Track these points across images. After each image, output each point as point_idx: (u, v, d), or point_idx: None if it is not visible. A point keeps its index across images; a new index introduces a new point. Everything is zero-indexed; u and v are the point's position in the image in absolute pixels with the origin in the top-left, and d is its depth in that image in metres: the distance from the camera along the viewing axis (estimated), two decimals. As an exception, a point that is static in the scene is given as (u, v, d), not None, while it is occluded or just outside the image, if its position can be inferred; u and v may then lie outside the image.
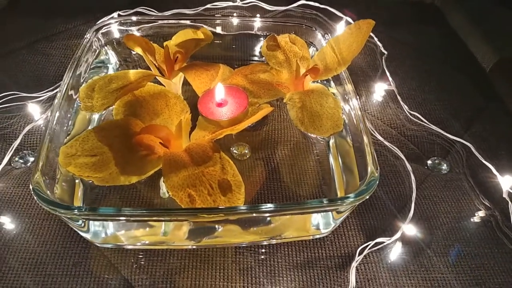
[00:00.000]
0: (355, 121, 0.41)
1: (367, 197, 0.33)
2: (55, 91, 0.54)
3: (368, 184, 0.33)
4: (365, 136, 0.37)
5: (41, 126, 0.50)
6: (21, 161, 0.48)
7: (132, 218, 0.32)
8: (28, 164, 0.48)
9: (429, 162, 0.52)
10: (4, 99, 0.52)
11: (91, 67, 0.48)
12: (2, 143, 0.50)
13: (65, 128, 0.40)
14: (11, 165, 0.48)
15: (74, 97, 0.43)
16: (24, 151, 0.49)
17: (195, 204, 0.33)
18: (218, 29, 0.54)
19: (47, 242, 0.41)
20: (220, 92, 0.42)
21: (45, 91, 0.53)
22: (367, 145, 0.37)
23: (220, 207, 0.32)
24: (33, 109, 0.51)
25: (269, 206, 0.32)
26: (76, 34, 0.65)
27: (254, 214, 0.33)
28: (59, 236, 0.41)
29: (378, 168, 0.34)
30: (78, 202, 0.40)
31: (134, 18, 0.50)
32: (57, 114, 0.38)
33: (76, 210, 0.31)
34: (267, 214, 0.33)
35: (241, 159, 0.47)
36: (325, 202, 0.33)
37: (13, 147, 0.47)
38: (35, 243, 0.40)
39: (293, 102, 0.43)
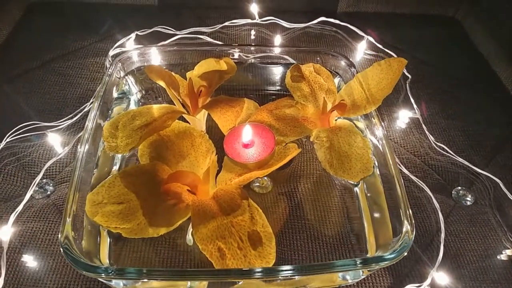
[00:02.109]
0: (386, 164, 0.40)
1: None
2: (74, 119, 0.53)
3: (404, 244, 0.32)
4: (398, 187, 0.36)
5: (62, 157, 0.49)
6: (41, 190, 0.48)
7: (163, 280, 0.31)
8: (48, 193, 0.48)
9: (453, 192, 0.51)
10: (23, 129, 0.51)
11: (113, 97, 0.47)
12: (21, 172, 0.49)
13: (90, 172, 0.39)
14: (31, 195, 0.47)
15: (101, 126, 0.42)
16: (43, 180, 0.48)
17: (225, 259, 0.33)
18: (237, 55, 0.53)
19: (70, 283, 0.40)
20: (247, 133, 0.41)
21: (64, 119, 0.53)
22: (400, 194, 0.36)
23: (251, 271, 0.31)
24: (53, 138, 0.50)
25: (297, 269, 0.31)
26: (93, 52, 0.64)
27: (281, 277, 0.32)
28: (82, 277, 0.41)
29: (414, 228, 0.33)
30: (104, 241, 0.39)
31: (154, 49, 0.49)
32: (83, 160, 0.38)
33: (103, 274, 0.31)
34: (296, 277, 0.33)
35: (263, 193, 0.47)
36: (358, 263, 0.32)
37: (35, 182, 0.46)
38: (58, 285, 0.40)
39: (321, 141, 0.42)
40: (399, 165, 0.51)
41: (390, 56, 0.64)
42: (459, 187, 0.51)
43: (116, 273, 0.31)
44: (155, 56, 0.51)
